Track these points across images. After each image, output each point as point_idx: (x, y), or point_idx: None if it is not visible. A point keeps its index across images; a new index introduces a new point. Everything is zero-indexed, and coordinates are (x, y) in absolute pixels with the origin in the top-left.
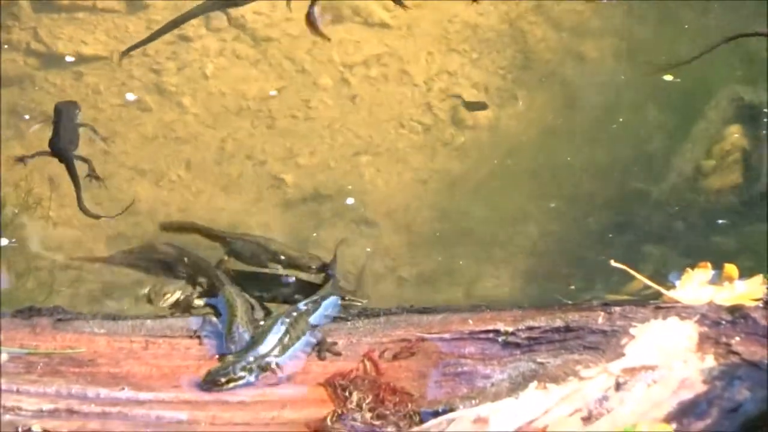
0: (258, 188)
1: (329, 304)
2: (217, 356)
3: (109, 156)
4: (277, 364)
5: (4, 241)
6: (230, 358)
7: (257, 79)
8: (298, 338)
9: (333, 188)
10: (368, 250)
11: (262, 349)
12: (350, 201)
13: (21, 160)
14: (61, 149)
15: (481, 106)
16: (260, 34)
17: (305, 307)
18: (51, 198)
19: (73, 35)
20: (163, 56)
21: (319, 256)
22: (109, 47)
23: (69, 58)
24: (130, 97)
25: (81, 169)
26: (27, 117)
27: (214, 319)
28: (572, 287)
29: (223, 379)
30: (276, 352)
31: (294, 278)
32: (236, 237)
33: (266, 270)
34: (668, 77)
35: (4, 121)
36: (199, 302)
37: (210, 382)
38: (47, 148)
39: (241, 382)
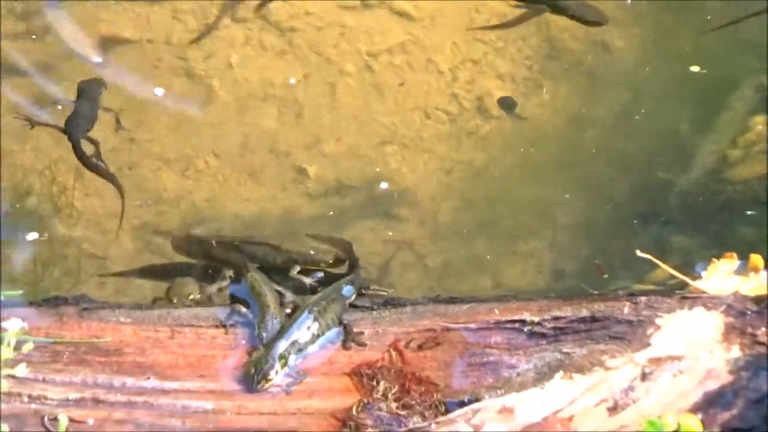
0: (282, 177)
1: (344, 292)
2: (248, 348)
3: (135, 144)
4: (303, 372)
5: (34, 235)
6: (260, 351)
7: (283, 69)
8: (328, 327)
9: (359, 177)
10: (390, 233)
11: (295, 334)
12: (384, 185)
13: (28, 121)
14: (68, 131)
15: (511, 103)
16: (285, 24)
17: (333, 295)
18: (75, 187)
19: (101, 22)
20: (190, 45)
21: (332, 250)
22: (136, 35)
23: (96, 53)
24: (158, 91)
25: (88, 149)
26: (60, 108)
27: (243, 309)
28: (605, 276)
29: (272, 372)
30: (306, 338)
31: (320, 274)
32: (246, 241)
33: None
34: (694, 68)
35: (29, 109)
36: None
37: (261, 380)
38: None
39: (285, 370)
